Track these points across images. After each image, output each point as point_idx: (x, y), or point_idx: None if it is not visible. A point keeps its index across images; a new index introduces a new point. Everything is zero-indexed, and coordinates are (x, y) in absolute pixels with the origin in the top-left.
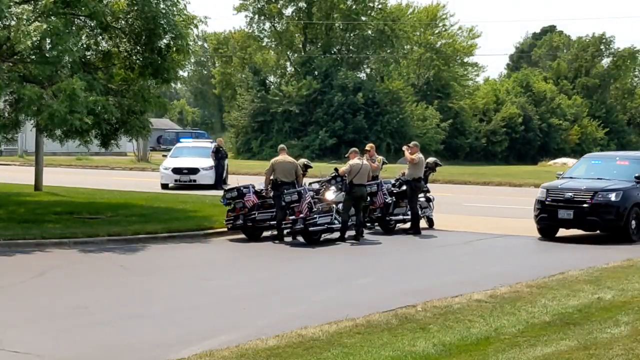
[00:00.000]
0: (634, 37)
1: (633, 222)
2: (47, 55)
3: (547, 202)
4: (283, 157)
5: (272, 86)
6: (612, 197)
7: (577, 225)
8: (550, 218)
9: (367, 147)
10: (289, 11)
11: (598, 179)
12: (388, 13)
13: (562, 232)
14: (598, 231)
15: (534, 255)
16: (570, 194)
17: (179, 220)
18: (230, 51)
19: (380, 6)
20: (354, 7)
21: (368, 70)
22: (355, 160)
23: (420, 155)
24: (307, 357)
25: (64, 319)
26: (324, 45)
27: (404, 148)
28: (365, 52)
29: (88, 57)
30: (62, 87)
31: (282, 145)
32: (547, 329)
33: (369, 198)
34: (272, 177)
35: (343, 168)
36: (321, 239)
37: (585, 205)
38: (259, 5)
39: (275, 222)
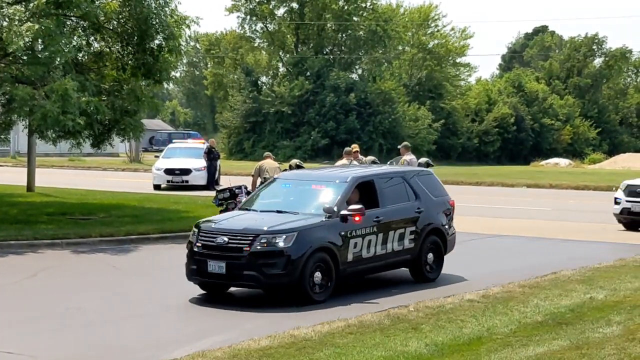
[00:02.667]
0: (626, 37)
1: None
2: (39, 55)
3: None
4: (269, 160)
5: (264, 87)
6: None
7: None
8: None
9: (355, 149)
10: (281, 12)
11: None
12: (380, 13)
13: None
14: None
15: (526, 255)
16: None
17: (172, 221)
18: (222, 52)
19: (372, 7)
20: (345, 7)
21: (360, 71)
22: (343, 161)
23: (411, 157)
24: (300, 357)
25: (56, 320)
26: (316, 45)
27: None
28: (357, 53)
29: (80, 58)
30: (54, 87)
31: (267, 153)
32: (539, 328)
33: None
34: (260, 179)
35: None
36: None
37: None
38: (250, 6)
39: None
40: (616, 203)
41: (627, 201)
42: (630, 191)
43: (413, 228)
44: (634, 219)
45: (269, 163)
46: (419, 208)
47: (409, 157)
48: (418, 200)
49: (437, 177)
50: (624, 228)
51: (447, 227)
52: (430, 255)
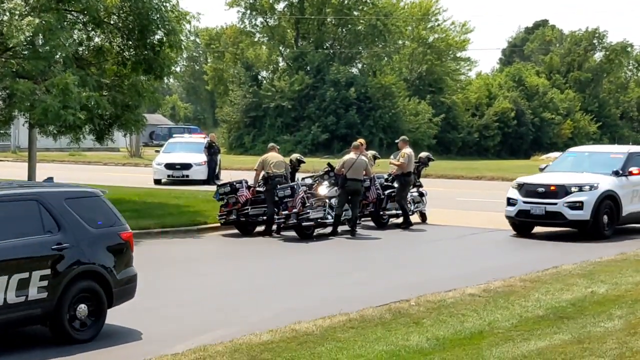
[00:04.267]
0: (626, 31)
1: None
2: (39, 50)
3: None
4: (273, 152)
5: (265, 81)
6: None
7: None
8: None
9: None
10: (280, 6)
11: None
12: (380, 8)
13: None
14: None
15: (527, 250)
16: None
17: (172, 215)
18: (223, 47)
19: (372, 1)
20: (346, 2)
21: (360, 65)
22: (350, 155)
23: (410, 150)
24: (301, 351)
25: None
26: (316, 40)
27: (391, 162)
28: (357, 47)
29: (81, 52)
30: (55, 82)
31: (272, 144)
32: (540, 323)
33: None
34: (263, 173)
35: (338, 164)
36: (314, 234)
37: None
38: (250, 1)
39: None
40: (510, 204)
41: (524, 202)
42: (528, 191)
43: (47, 271)
44: (532, 222)
45: (273, 156)
46: (59, 243)
47: (408, 150)
48: (61, 232)
49: (105, 201)
50: (514, 232)
51: (111, 269)
52: (81, 307)
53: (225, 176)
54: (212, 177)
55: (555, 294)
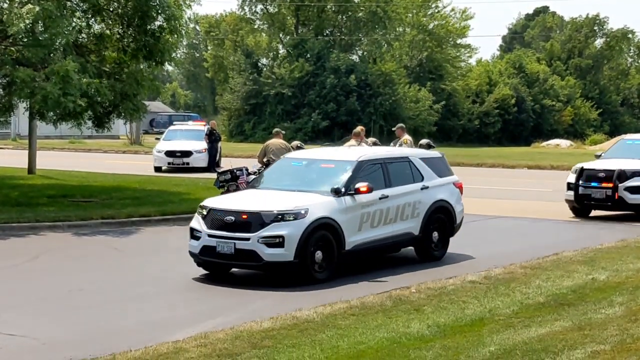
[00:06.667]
0: (627, 18)
1: None
2: (39, 38)
3: None
4: (276, 139)
5: (265, 69)
6: None
7: None
8: None
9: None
10: None
11: None
12: None
13: None
14: None
15: (528, 237)
16: None
17: (173, 203)
18: (222, 34)
19: None
20: None
21: (360, 53)
22: (351, 142)
23: (408, 137)
24: (302, 338)
25: (58, 302)
26: (316, 27)
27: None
28: (357, 34)
29: (80, 39)
30: (55, 69)
31: (277, 129)
32: (541, 309)
33: None
34: (264, 159)
35: None
36: None
37: None
38: None
39: None
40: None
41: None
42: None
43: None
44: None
45: (275, 143)
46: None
47: (409, 137)
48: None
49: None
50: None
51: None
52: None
53: (226, 163)
54: (212, 164)
55: (556, 280)
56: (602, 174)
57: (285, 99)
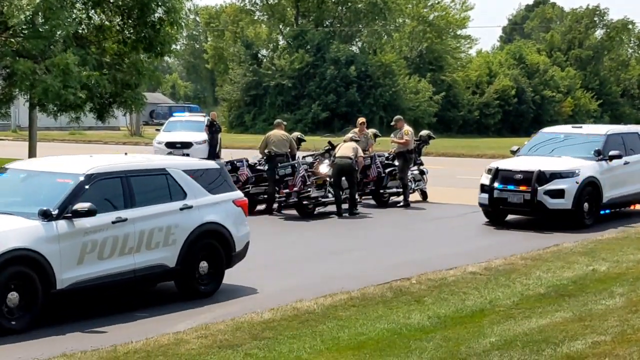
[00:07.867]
0: (627, 9)
1: None
2: (40, 29)
3: None
4: (278, 130)
5: (265, 60)
6: None
7: None
8: None
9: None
10: None
11: None
12: None
13: None
14: None
15: (528, 228)
16: None
17: None
18: (222, 25)
19: None
20: None
21: (360, 44)
22: (352, 133)
23: (409, 128)
24: (303, 329)
25: None
26: (316, 18)
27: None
28: (357, 25)
29: (81, 31)
30: (55, 61)
31: (279, 120)
32: (541, 300)
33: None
34: (266, 150)
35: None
36: (315, 212)
37: None
38: None
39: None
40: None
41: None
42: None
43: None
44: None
45: (276, 135)
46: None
47: (409, 128)
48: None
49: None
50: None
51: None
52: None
53: (226, 155)
54: (212, 155)
55: (556, 271)
56: (519, 176)
57: (285, 90)
